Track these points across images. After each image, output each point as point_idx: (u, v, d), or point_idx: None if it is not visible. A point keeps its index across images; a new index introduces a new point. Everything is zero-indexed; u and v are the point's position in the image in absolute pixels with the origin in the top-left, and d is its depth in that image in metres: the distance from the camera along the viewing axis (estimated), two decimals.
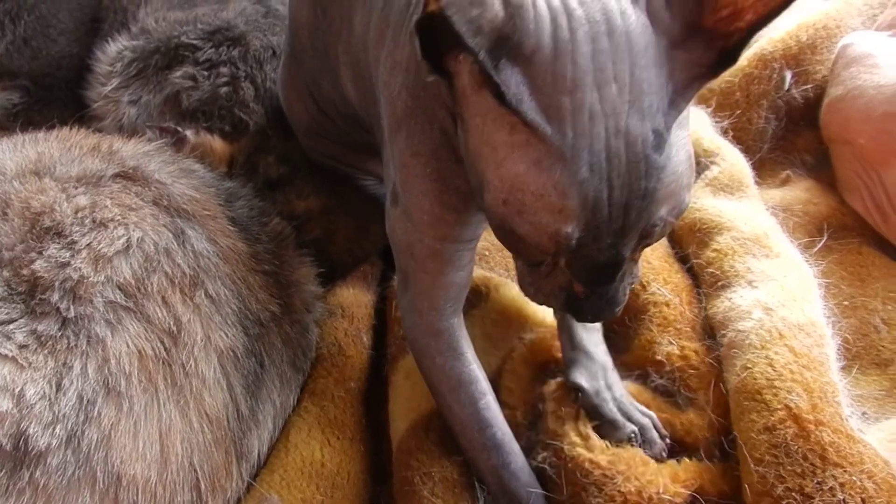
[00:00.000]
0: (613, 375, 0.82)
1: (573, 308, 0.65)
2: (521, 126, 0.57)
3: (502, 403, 0.81)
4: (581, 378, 0.81)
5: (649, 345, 0.86)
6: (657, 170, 0.57)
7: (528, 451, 0.78)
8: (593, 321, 0.66)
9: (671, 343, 0.84)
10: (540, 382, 0.85)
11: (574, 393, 0.81)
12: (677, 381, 0.83)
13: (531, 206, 0.58)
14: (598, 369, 0.82)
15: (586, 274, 0.62)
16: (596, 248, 0.59)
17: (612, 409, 0.79)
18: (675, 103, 0.57)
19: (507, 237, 0.62)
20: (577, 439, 0.76)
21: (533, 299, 0.68)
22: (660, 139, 0.56)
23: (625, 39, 0.56)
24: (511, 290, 0.97)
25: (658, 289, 0.89)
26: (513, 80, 0.56)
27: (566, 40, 0.56)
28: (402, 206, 0.75)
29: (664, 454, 0.77)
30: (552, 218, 0.57)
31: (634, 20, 0.57)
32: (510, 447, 0.77)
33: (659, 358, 0.84)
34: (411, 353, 0.84)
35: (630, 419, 0.78)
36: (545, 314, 0.93)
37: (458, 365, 0.79)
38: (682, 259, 0.97)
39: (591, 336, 0.84)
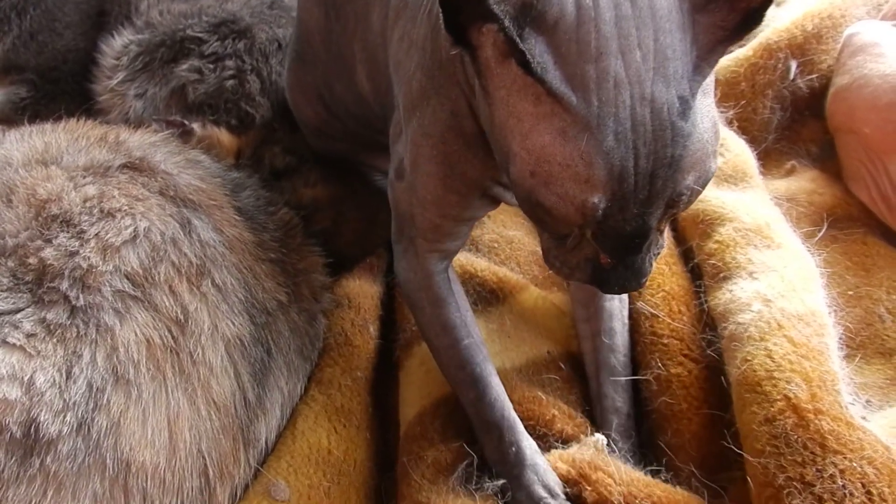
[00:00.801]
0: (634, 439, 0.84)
1: (600, 280, 0.65)
2: (545, 96, 0.57)
3: (540, 419, 0.82)
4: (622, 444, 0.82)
5: (640, 359, 0.87)
6: (683, 137, 0.56)
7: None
8: (620, 292, 0.67)
9: (659, 367, 0.84)
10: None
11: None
12: (662, 405, 0.83)
13: (558, 176, 0.58)
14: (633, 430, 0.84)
15: (613, 245, 0.62)
16: (622, 218, 0.59)
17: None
18: (700, 69, 0.57)
19: (534, 209, 0.62)
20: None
21: (558, 273, 0.68)
22: (685, 106, 0.56)
23: (647, 5, 0.56)
24: (530, 298, 0.97)
25: (646, 301, 0.88)
26: (537, 49, 0.56)
27: (589, 7, 0.56)
28: (408, 181, 0.77)
29: None
30: (579, 188, 0.57)
31: None
32: (487, 381, 0.79)
33: (649, 378, 0.84)
34: (405, 301, 0.87)
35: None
36: (570, 331, 0.93)
37: (443, 312, 0.81)
38: (686, 254, 0.97)
39: (625, 405, 0.85)
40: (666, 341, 0.86)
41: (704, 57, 0.57)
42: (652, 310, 0.88)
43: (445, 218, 0.77)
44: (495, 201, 0.80)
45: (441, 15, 0.56)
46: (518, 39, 0.55)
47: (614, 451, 0.80)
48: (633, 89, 0.56)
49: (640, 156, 0.56)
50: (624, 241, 0.61)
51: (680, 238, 1.00)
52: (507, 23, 0.54)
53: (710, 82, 0.60)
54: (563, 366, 0.89)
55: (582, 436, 0.81)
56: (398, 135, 0.79)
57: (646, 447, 0.84)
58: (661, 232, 0.66)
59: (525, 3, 0.55)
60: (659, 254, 0.67)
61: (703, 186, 0.60)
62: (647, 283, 0.89)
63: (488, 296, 0.97)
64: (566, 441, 0.80)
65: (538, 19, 0.56)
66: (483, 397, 0.78)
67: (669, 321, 0.87)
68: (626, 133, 0.56)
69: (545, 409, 0.82)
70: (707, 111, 0.59)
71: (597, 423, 0.85)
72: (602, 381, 0.86)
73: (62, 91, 1.47)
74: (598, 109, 0.56)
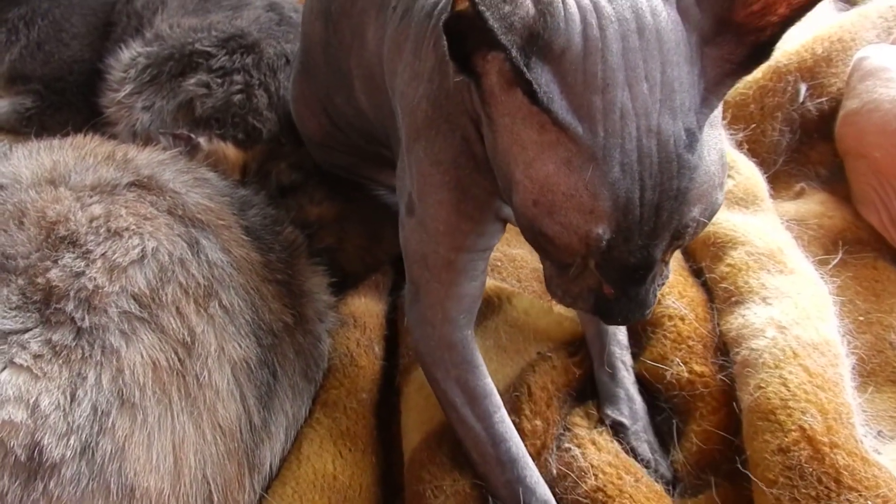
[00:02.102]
0: (647, 417, 0.84)
1: (602, 310, 0.64)
2: (550, 125, 0.56)
3: (522, 418, 0.82)
4: (623, 417, 0.82)
5: (661, 359, 0.86)
6: (690, 169, 0.56)
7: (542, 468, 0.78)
8: (623, 323, 0.66)
9: (680, 365, 0.83)
10: (563, 402, 0.85)
11: (610, 427, 0.82)
12: (683, 405, 0.83)
13: (561, 206, 0.57)
14: (639, 409, 0.83)
15: (616, 276, 0.61)
16: (627, 249, 0.58)
17: (646, 451, 0.80)
18: (707, 101, 0.57)
19: (537, 239, 0.61)
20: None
21: (560, 301, 0.67)
22: (692, 138, 0.56)
23: (655, 37, 0.56)
24: (524, 301, 0.96)
25: (674, 302, 0.88)
26: (543, 79, 0.55)
27: (596, 38, 0.56)
28: (418, 216, 0.75)
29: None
30: (583, 219, 0.57)
31: (665, 17, 0.56)
32: (525, 461, 0.76)
33: (669, 379, 0.84)
34: (421, 366, 0.83)
35: (660, 461, 0.80)
36: (561, 328, 0.93)
37: (472, 378, 0.78)
38: (696, 273, 0.96)
39: (630, 375, 0.86)
40: (691, 343, 0.86)
41: (712, 90, 0.57)
42: (684, 308, 0.87)
43: (459, 251, 0.75)
44: (504, 225, 0.79)
45: (445, 42, 0.56)
46: (525, 69, 0.54)
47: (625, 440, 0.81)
48: (639, 121, 0.55)
49: (646, 188, 0.56)
50: (628, 273, 0.60)
51: (690, 257, 0.99)
52: (514, 52, 0.53)
53: (717, 114, 0.59)
54: (554, 358, 0.89)
55: (571, 423, 0.81)
56: (403, 169, 0.78)
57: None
58: (666, 263, 0.65)
59: (532, 32, 0.55)
60: (663, 284, 0.66)
61: (710, 218, 0.60)
62: (669, 290, 0.90)
63: (483, 306, 0.95)
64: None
65: (545, 48, 0.55)
66: (523, 479, 0.75)
67: (697, 325, 0.86)
68: (632, 165, 0.55)
69: (527, 424, 0.82)
70: (714, 143, 0.58)
71: (595, 358, 0.86)
72: (615, 366, 0.86)
73: (68, 102, 1.47)
74: (604, 140, 0.55)
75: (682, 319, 0.87)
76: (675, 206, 0.57)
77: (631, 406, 0.84)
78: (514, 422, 0.81)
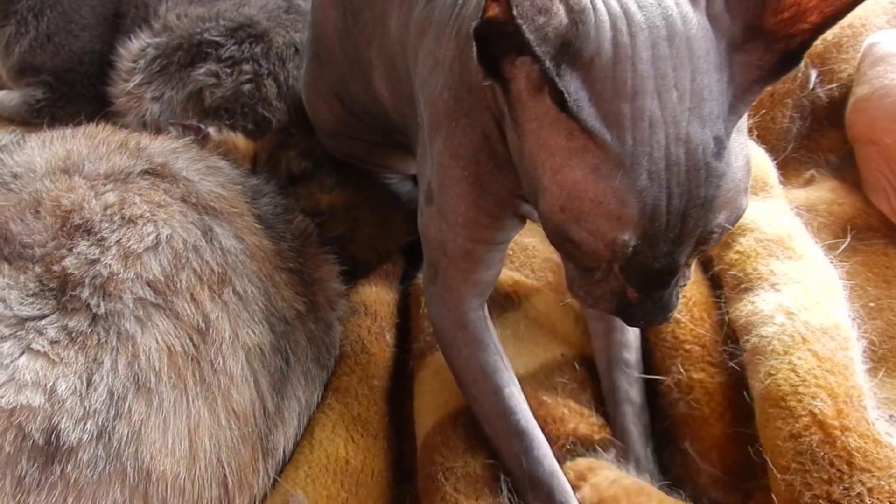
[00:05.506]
0: (653, 463, 0.83)
1: (625, 313, 0.65)
2: (579, 132, 0.56)
3: (556, 401, 0.82)
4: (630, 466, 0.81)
5: (660, 364, 0.86)
6: (717, 177, 0.56)
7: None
8: (646, 326, 0.66)
9: (679, 373, 0.83)
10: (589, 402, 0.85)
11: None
12: (682, 412, 0.83)
13: (589, 213, 0.57)
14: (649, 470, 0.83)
15: (641, 280, 0.61)
16: (652, 255, 0.58)
17: None
18: (736, 108, 0.56)
19: (563, 244, 0.61)
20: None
21: (582, 303, 0.68)
22: (720, 146, 0.56)
23: (685, 45, 0.56)
24: (544, 301, 0.96)
25: None
26: (573, 86, 0.55)
27: (626, 46, 0.55)
28: (437, 205, 0.76)
29: None
30: (610, 225, 0.57)
31: (695, 24, 0.56)
32: (533, 434, 0.77)
33: (668, 383, 0.84)
34: (438, 342, 0.85)
35: None
36: (581, 331, 0.93)
37: (482, 355, 0.79)
38: (705, 263, 0.96)
39: (642, 438, 0.84)
40: (688, 347, 0.85)
41: (740, 96, 0.57)
42: (675, 314, 0.87)
43: (478, 242, 0.76)
44: (523, 220, 0.79)
45: (475, 47, 0.56)
46: (557, 79, 0.54)
47: (630, 461, 0.80)
48: (668, 129, 0.55)
49: (674, 195, 0.56)
50: (652, 277, 0.61)
51: None
52: (547, 63, 0.53)
53: (743, 119, 0.59)
54: (577, 367, 0.89)
55: (595, 436, 0.80)
56: (424, 156, 0.78)
57: (661, 453, 0.84)
58: (689, 266, 0.65)
59: (564, 41, 0.55)
60: (685, 285, 0.66)
61: (734, 224, 0.60)
62: None
63: (502, 301, 0.97)
64: (581, 442, 0.80)
65: (575, 56, 0.55)
66: (529, 451, 0.75)
67: (692, 327, 0.86)
68: (660, 172, 0.55)
69: (557, 409, 0.82)
70: (740, 149, 0.58)
71: (609, 417, 0.84)
72: (615, 375, 0.85)
73: (78, 93, 1.48)
74: (632, 148, 0.55)
75: (678, 323, 0.86)
76: (701, 214, 0.57)
77: (643, 452, 0.83)
78: (543, 402, 0.82)
